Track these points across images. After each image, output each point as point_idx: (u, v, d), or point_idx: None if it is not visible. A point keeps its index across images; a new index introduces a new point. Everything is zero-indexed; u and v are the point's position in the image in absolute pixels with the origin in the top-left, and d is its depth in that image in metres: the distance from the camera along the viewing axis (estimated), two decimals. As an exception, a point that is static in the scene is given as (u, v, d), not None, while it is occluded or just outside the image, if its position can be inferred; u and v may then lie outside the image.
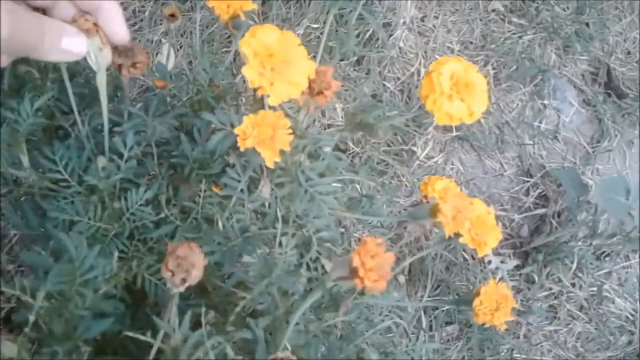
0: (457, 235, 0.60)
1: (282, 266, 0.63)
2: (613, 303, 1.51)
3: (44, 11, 0.54)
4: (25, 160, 0.60)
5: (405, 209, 1.51)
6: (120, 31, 0.55)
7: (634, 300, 1.51)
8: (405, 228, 1.50)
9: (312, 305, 0.64)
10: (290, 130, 0.51)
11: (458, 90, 0.51)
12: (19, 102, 0.57)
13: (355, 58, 1.58)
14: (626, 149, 1.68)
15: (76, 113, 0.60)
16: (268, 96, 0.49)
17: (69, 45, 0.50)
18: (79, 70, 0.69)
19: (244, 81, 1.19)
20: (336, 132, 0.92)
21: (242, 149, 0.50)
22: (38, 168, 0.63)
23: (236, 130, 0.51)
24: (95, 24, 0.52)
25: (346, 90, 1.56)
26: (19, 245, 1.22)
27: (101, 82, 0.56)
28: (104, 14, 0.53)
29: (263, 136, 0.50)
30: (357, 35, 1.58)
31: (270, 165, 0.51)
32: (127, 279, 0.68)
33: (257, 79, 0.49)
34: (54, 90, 0.63)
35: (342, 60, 1.57)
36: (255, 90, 0.54)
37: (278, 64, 0.48)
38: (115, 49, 0.57)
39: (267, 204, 0.64)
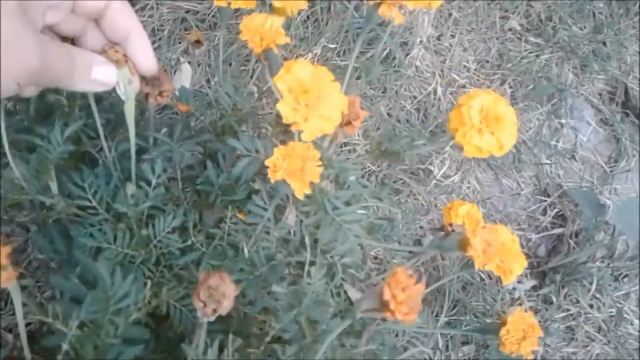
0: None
1: (311, 296, 0.63)
2: (631, 324, 1.49)
3: (72, 40, 0.54)
4: (54, 187, 0.61)
5: (420, 228, 1.51)
6: (148, 61, 0.55)
7: (653, 322, 1.49)
8: (420, 245, 1.49)
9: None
10: (320, 162, 0.51)
11: (488, 124, 0.51)
12: (49, 130, 0.58)
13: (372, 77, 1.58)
14: (646, 168, 1.67)
15: (103, 139, 0.61)
16: (302, 131, 0.49)
17: (98, 75, 0.51)
18: (105, 95, 0.70)
19: (267, 103, 1.20)
20: (356, 156, 0.93)
21: (272, 181, 0.50)
22: (66, 194, 0.63)
23: (267, 162, 0.51)
24: (125, 55, 0.53)
25: (362, 108, 1.56)
26: (36, 261, 1.23)
27: (129, 111, 0.56)
28: (132, 44, 0.54)
29: (293, 168, 0.50)
30: (372, 55, 1.59)
31: (300, 197, 0.51)
32: (152, 305, 0.68)
33: (291, 115, 0.49)
34: (82, 117, 0.64)
35: (358, 79, 1.58)
36: (279, 116, 0.54)
37: (312, 99, 0.48)
38: (143, 78, 0.58)
39: (292, 232, 0.64)
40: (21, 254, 1.23)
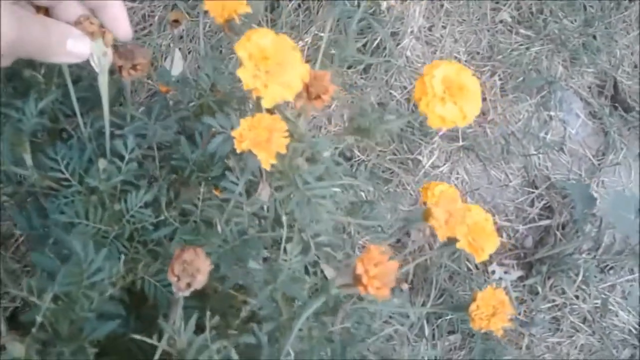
0: (453, 239, 0.60)
1: (287, 272, 0.64)
2: (617, 316, 1.50)
3: (47, 10, 0.55)
4: (28, 159, 0.61)
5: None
6: (124, 28, 0.56)
7: (638, 313, 1.50)
8: (409, 236, 1.50)
9: (314, 311, 0.64)
10: (287, 134, 0.51)
11: (451, 94, 0.52)
12: (24, 102, 0.59)
13: (363, 66, 1.59)
14: (632, 162, 1.67)
15: (79, 115, 0.61)
16: (261, 98, 0.50)
17: (73, 47, 0.51)
18: (84, 74, 0.70)
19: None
20: (337, 137, 0.93)
21: (238, 151, 0.51)
22: (41, 168, 0.64)
23: (233, 133, 0.51)
24: (100, 27, 0.53)
25: (353, 98, 1.57)
26: (25, 246, 1.23)
27: (103, 83, 0.57)
28: (108, 12, 0.54)
29: (259, 139, 0.50)
30: (365, 44, 1.59)
31: (267, 167, 0.51)
32: (128, 281, 0.69)
33: (251, 81, 0.49)
34: (58, 93, 0.64)
35: (349, 68, 1.58)
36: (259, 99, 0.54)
37: (272, 66, 0.49)
38: (116, 50, 0.58)
39: (265, 207, 0.65)
40: (9, 239, 1.24)
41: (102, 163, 0.62)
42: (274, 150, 0.50)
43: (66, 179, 0.62)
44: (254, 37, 0.50)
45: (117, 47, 0.56)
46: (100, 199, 0.63)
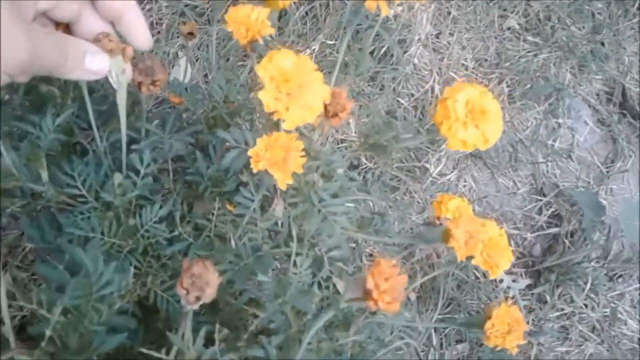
0: (469, 257, 0.60)
1: (296, 285, 0.63)
2: (625, 325, 1.49)
3: (66, 26, 0.55)
4: (44, 174, 0.61)
5: (417, 226, 1.51)
6: (143, 38, 0.56)
7: (647, 322, 1.50)
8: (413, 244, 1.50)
9: (323, 324, 0.64)
10: (303, 153, 0.51)
11: (473, 117, 0.52)
12: (41, 118, 0.59)
13: (370, 74, 1.59)
14: (642, 169, 1.67)
15: (95, 129, 0.61)
16: (283, 120, 0.50)
17: (91, 64, 0.51)
18: (97, 86, 0.70)
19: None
20: (350, 151, 0.93)
21: (255, 171, 0.50)
22: (56, 183, 0.64)
23: (249, 152, 0.51)
24: (118, 44, 0.53)
25: (360, 105, 1.56)
26: (32, 255, 1.23)
27: (121, 100, 0.57)
28: (127, 22, 0.55)
29: (275, 158, 0.50)
30: (372, 52, 1.59)
31: (283, 187, 0.51)
32: (139, 295, 0.69)
33: (272, 104, 0.49)
34: (75, 108, 0.64)
35: (357, 75, 1.58)
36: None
37: (294, 88, 0.49)
38: (136, 66, 0.58)
39: (279, 223, 0.65)
40: (16, 248, 1.24)
41: (117, 178, 0.62)
42: (291, 170, 0.50)
43: (82, 195, 0.62)
44: (275, 58, 0.49)
45: (136, 63, 0.56)
46: (116, 214, 0.63)
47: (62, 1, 0.51)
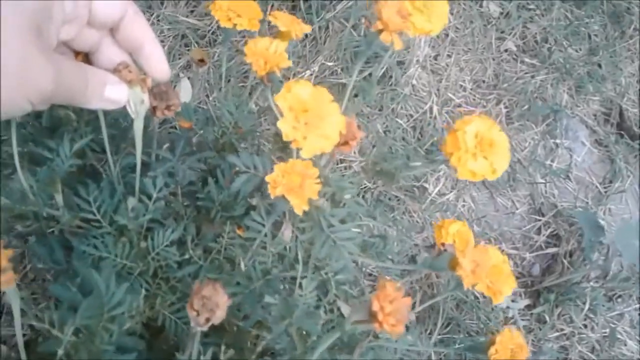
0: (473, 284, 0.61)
1: (301, 307, 0.64)
2: (625, 345, 1.50)
3: (86, 55, 0.56)
4: (59, 199, 0.62)
5: (416, 245, 1.52)
6: (162, 69, 0.57)
7: (646, 343, 1.51)
8: (415, 262, 1.50)
9: (328, 347, 0.65)
10: (319, 180, 0.52)
11: (482, 149, 0.53)
12: (57, 144, 0.60)
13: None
14: (638, 189, 1.69)
15: (109, 154, 0.62)
16: (301, 149, 0.51)
17: (110, 94, 0.52)
18: (108, 111, 0.71)
19: (265, 120, 1.21)
20: (356, 176, 0.94)
21: (272, 197, 0.52)
22: (70, 206, 0.65)
23: (267, 179, 0.52)
24: (137, 75, 0.54)
25: (359, 125, 1.58)
26: (32, 273, 1.24)
27: (138, 129, 0.58)
28: (146, 53, 0.56)
29: (292, 185, 0.51)
30: (372, 73, 1.61)
31: (299, 212, 0.52)
32: (147, 316, 0.70)
33: (291, 133, 0.51)
34: (89, 132, 0.65)
35: (356, 96, 1.60)
36: (277, 134, 0.56)
37: (312, 118, 0.50)
38: (151, 91, 0.59)
39: (287, 247, 0.66)
40: (18, 265, 1.24)
41: (131, 202, 0.63)
42: (307, 196, 0.52)
43: (96, 220, 0.63)
44: (294, 88, 0.51)
45: (151, 87, 0.57)
46: (129, 237, 0.64)
47: (84, 31, 0.52)
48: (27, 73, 0.44)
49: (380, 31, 0.57)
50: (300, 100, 0.51)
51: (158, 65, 0.56)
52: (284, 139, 0.50)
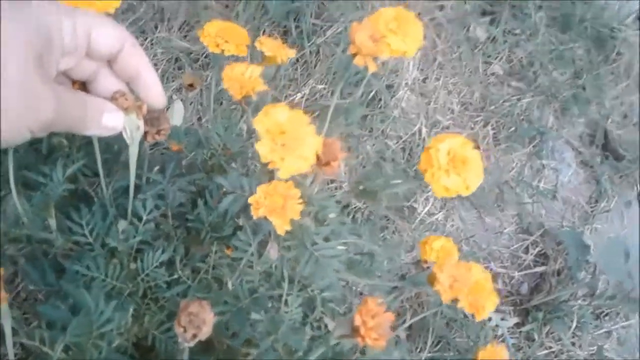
0: (455, 300, 0.63)
1: (287, 324, 0.66)
2: (612, 363, 1.52)
3: (84, 84, 0.57)
4: (53, 223, 0.64)
5: (406, 264, 1.54)
6: (158, 97, 0.58)
7: (634, 360, 1.52)
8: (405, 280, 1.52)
9: (314, 362, 0.67)
10: (301, 200, 0.55)
11: (455, 166, 0.56)
12: (51, 169, 0.62)
13: (359, 117, 1.64)
14: (624, 209, 1.72)
15: (102, 178, 0.64)
16: (279, 170, 0.53)
17: (108, 121, 0.54)
18: (102, 137, 0.73)
19: (254, 143, 1.24)
20: (339, 193, 0.96)
21: (255, 218, 0.54)
22: (62, 229, 0.66)
23: (250, 200, 0.54)
24: (133, 102, 0.56)
25: (349, 147, 1.61)
26: (24, 293, 1.25)
27: (133, 154, 0.59)
28: (143, 82, 0.57)
29: (274, 206, 0.53)
30: (361, 95, 1.64)
31: (281, 233, 0.54)
32: (136, 335, 0.71)
33: (269, 155, 0.53)
34: (82, 158, 0.67)
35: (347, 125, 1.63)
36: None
37: (289, 140, 0.52)
38: (143, 116, 0.61)
39: (274, 266, 0.68)
40: (9, 285, 1.25)
41: (122, 224, 0.65)
42: (289, 217, 0.54)
43: (88, 243, 0.65)
44: (271, 112, 0.53)
45: (144, 114, 0.59)
46: (119, 258, 0.66)
47: (82, 61, 0.54)
48: (29, 103, 0.45)
49: (354, 55, 0.60)
50: (277, 123, 0.53)
51: (154, 93, 0.57)
52: (262, 160, 0.53)
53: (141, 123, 0.57)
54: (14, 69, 0.44)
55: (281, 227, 0.54)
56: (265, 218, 0.53)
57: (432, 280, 0.60)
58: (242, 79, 0.63)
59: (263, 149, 0.52)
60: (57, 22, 0.49)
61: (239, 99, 0.63)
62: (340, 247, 0.68)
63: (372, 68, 0.60)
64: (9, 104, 0.44)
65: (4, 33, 0.44)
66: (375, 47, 0.57)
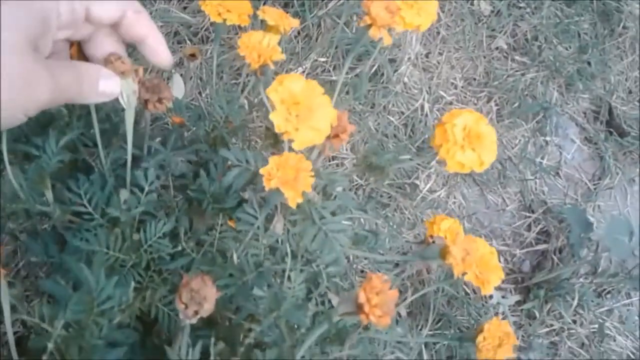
0: (464, 273, 0.62)
1: (290, 300, 0.65)
2: (614, 341, 1.51)
3: (79, 44, 0.56)
4: (49, 195, 0.62)
5: (408, 242, 1.53)
6: (165, 58, 0.57)
7: (635, 338, 1.52)
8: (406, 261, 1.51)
9: (318, 339, 0.66)
10: (312, 173, 0.53)
11: (470, 141, 0.54)
12: (44, 140, 0.60)
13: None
14: (627, 186, 1.70)
15: (100, 148, 0.63)
16: (292, 141, 0.52)
17: (105, 88, 0.52)
18: (101, 106, 0.71)
19: (257, 116, 1.22)
20: (348, 171, 0.95)
21: (267, 189, 0.52)
22: (61, 200, 0.65)
23: (261, 171, 0.53)
24: (130, 66, 0.54)
25: (351, 123, 1.59)
26: (25, 270, 1.24)
27: (129, 119, 0.58)
28: (150, 44, 0.55)
29: (287, 177, 0.52)
30: (361, 70, 1.62)
31: (293, 205, 0.53)
32: (140, 309, 0.70)
33: (283, 125, 0.51)
34: (80, 127, 0.66)
35: (347, 93, 1.61)
36: (269, 129, 0.56)
37: (303, 110, 0.51)
38: (143, 84, 0.59)
39: (279, 240, 0.67)
40: (8, 264, 1.24)
41: (123, 194, 0.63)
42: (301, 189, 0.52)
43: (88, 212, 0.64)
44: (285, 82, 0.52)
45: (143, 81, 0.57)
46: (121, 229, 0.65)
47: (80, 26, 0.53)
48: (25, 85, 0.44)
49: (369, 26, 0.58)
50: (291, 93, 0.51)
51: (162, 55, 0.56)
52: (276, 130, 0.51)
53: (137, 87, 0.56)
54: (10, 57, 0.43)
55: (293, 199, 0.52)
56: (277, 190, 0.52)
57: (444, 254, 0.59)
58: (260, 47, 0.61)
59: (277, 119, 0.51)
60: (55, 4, 0.48)
61: (255, 67, 0.61)
62: (346, 222, 0.66)
63: (388, 40, 0.58)
64: (5, 94, 0.43)
65: (3, 19, 0.43)
66: (391, 18, 0.55)
